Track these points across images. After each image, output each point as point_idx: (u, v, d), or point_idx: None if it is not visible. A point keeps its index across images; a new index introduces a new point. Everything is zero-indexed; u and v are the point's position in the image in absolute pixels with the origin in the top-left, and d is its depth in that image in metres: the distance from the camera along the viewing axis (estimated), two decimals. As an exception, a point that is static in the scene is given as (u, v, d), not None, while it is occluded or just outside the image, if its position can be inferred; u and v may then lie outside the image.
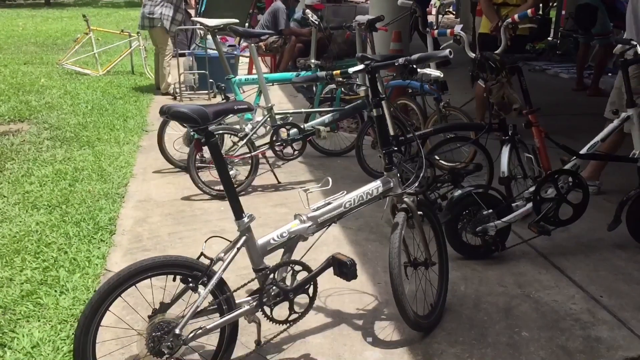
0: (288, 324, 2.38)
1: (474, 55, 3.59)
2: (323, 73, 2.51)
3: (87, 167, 4.70)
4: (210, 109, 2.10)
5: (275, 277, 2.32)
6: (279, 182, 4.50)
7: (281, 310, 2.38)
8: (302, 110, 4.99)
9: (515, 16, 3.74)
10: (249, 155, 4.21)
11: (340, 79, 2.50)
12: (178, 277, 2.15)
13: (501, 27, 3.62)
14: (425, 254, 2.68)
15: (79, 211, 3.85)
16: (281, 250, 2.40)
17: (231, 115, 2.33)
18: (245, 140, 4.18)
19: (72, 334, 2.56)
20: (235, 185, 4.21)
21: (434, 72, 4.07)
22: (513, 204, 3.29)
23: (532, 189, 3.29)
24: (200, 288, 2.13)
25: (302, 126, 4.48)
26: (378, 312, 2.82)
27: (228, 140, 4.34)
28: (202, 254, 2.17)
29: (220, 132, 4.17)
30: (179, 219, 3.86)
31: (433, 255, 2.73)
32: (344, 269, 2.37)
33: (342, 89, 4.99)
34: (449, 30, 3.94)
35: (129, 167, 4.78)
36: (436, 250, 2.77)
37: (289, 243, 2.37)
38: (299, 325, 2.58)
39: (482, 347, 2.54)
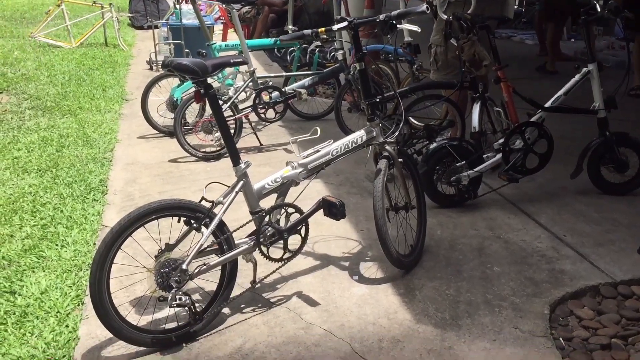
0: (283, 262, 2.58)
1: (446, 16, 3.78)
2: (309, 31, 2.69)
3: (72, 133, 4.80)
4: (209, 62, 2.25)
5: (271, 218, 2.52)
6: (261, 144, 4.67)
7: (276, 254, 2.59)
8: (283, 74, 5.16)
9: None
10: (232, 118, 4.36)
11: (325, 37, 2.69)
12: (182, 220, 2.33)
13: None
14: (405, 198, 2.90)
15: (69, 174, 3.98)
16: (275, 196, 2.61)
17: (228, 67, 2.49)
18: (229, 104, 4.32)
19: (78, 281, 2.76)
20: (219, 148, 4.38)
21: (412, 27, 4.26)
22: (484, 155, 3.54)
23: (501, 140, 3.54)
24: (203, 229, 2.32)
25: (283, 89, 4.64)
26: (362, 255, 3.04)
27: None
28: (203, 198, 2.35)
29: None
30: (167, 179, 4.02)
31: (412, 201, 2.96)
32: (333, 209, 2.57)
33: (320, 57, 5.16)
34: (422, -7, 4.13)
35: (113, 133, 4.89)
36: (415, 196, 3.00)
37: (282, 188, 2.57)
38: (290, 267, 2.80)
39: (458, 281, 2.79)
